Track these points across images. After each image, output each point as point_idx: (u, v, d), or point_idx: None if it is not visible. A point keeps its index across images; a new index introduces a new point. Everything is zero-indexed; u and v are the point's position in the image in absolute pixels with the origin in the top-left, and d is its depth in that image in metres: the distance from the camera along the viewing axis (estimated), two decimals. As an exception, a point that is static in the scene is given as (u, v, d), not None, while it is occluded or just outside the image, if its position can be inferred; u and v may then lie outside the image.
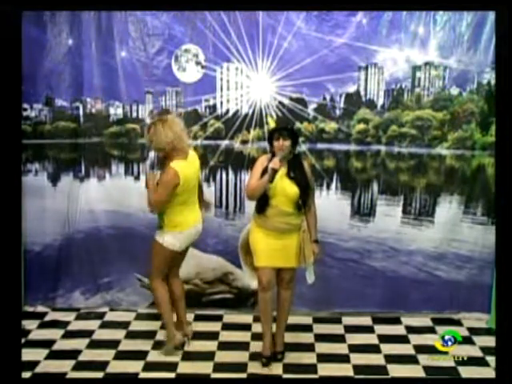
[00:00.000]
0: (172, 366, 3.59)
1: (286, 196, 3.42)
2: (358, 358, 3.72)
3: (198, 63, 4.33)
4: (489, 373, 3.56)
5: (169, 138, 3.42)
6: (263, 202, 3.44)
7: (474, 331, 4.15)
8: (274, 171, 3.32)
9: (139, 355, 3.71)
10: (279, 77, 4.28)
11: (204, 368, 3.58)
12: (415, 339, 4.02)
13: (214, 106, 4.47)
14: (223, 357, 3.73)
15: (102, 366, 3.60)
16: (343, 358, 3.73)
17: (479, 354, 3.83)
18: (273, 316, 3.67)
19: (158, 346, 3.84)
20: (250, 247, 3.62)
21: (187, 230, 3.60)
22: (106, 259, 4.47)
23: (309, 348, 3.85)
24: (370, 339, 4.03)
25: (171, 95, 4.42)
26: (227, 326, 4.19)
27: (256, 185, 3.38)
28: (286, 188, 3.42)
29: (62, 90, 4.42)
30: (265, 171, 3.38)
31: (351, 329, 4.16)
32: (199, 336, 3.97)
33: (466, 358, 3.70)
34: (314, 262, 3.58)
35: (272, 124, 3.49)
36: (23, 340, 3.89)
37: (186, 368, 3.59)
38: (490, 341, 3.83)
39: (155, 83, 4.38)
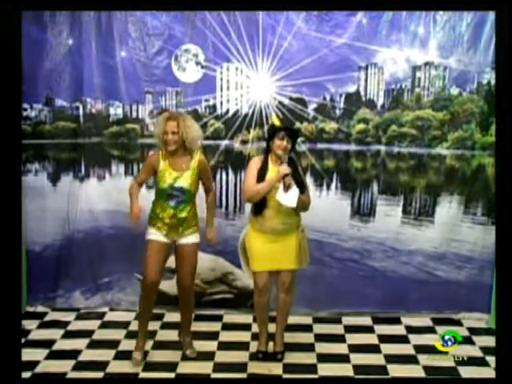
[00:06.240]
0: (172, 366, 3.59)
1: None
2: (358, 358, 3.72)
3: (197, 63, 4.33)
4: (489, 373, 3.55)
5: (199, 130, 3.49)
6: (260, 203, 3.42)
7: (473, 331, 4.15)
8: (287, 175, 3.29)
9: (139, 355, 3.71)
10: (279, 77, 4.28)
11: (204, 368, 3.58)
12: (415, 339, 4.02)
13: (214, 106, 4.47)
14: (223, 357, 3.74)
15: (102, 365, 3.60)
16: (343, 358, 3.73)
17: (479, 354, 3.83)
18: (269, 317, 3.68)
19: (158, 345, 3.85)
20: (247, 251, 3.60)
21: None
22: (106, 259, 4.47)
23: (309, 348, 3.85)
24: (370, 339, 4.03)
25: (171, 95, 4.42)
26: (227, 326, 4.20)
27: (261, 187, 3.35)
28: None
29: (62, 90, 4.42)
30: (260, 172, 3.39)
31: (351, 329, 4.16)
32: (199, 336, 3.97)
33: (465, 358, 3.69)
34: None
35: (277, 122, 3.44)
36: (23, 340, 3.89)
37: (185, 368, 3.59)
38: (490, 341, 3.83)
39: (155, 83, 4.39)
